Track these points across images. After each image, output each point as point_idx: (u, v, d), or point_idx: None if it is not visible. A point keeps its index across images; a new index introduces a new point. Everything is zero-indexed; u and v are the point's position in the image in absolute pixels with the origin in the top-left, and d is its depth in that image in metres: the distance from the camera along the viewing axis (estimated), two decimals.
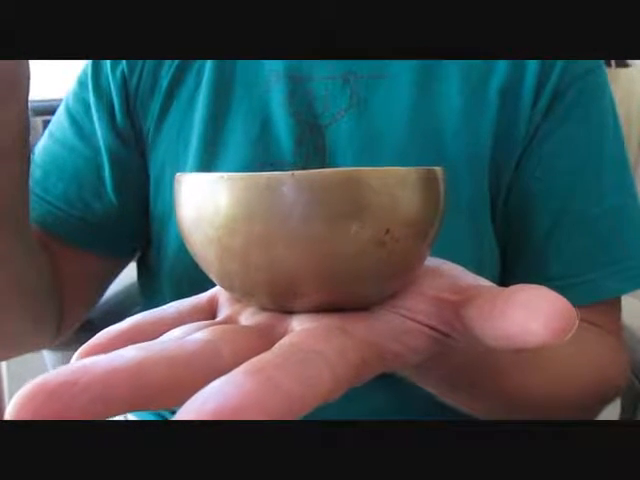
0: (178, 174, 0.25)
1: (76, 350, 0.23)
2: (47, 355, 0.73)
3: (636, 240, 0.51)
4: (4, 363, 1.28)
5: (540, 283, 0.55)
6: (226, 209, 0.22)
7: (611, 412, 0.53)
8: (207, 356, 0.20)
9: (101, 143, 0.53)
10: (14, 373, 1.27)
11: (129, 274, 0.60)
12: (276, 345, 0.20)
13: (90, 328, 0.64)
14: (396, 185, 0.22)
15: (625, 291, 0.50)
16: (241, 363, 0.18)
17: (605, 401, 0.50)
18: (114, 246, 0.55)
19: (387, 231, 0.22)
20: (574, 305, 0.20)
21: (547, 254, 0.50)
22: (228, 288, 0.26)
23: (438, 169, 0.25)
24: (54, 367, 0.71)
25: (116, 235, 0.54)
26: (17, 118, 0.37)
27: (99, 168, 0.53)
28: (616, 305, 0.52)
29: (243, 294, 0.25)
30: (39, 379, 0.17)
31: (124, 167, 0.53)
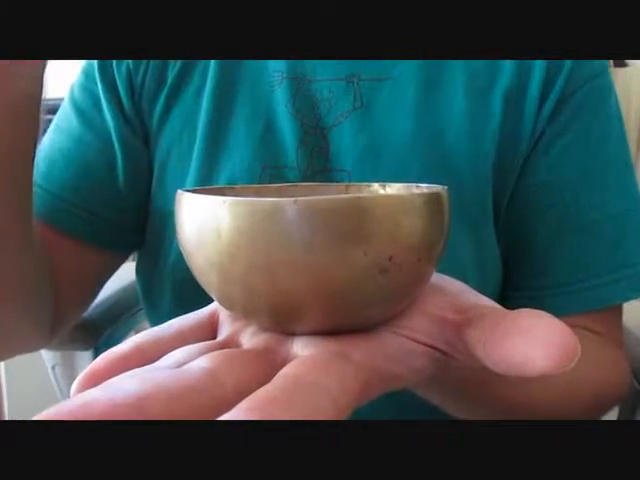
0: (179, 191, 0.25)
1: (74, 349, 0.23)
2: (45, 354, 0.73)
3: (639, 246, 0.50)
4: (2, 363, 1.27)
5: (543, 289, 0.55)
6: (228, 234, 0.22)
7: (610, 412, 0.53)
8: (209, 387, 0.20)
9: (112, 133, 0.52)
10: (13, 372, 1.27)
11: (129, 274, 0.60)
12: (277, 376, 0.20)
13: (88, 328, 0.64)
14: (400, 212, 0.22)
15: (629, 298, 0.49)
16: (243, 392, 0.19)
17: (605, 409, 0.49)
18: (115, 239, 0.54)
19: (390, 258, 0.22)
20: (577, 312, 0.20)
21: (550, 260, 0.50)
22: (229, 309, 0.26)
23: (443, 190, 0.24)
24: (52, 366, 0.71)
25: (118, 228, 0.54)
26: (32, 74, 0.36)
27: (110, 158, 0.52)
28: (618, 312, 0.51)
29: (244, 316, 0.25)
30: (40, 417, 0.17)
31: (136, 156, 0.53)
